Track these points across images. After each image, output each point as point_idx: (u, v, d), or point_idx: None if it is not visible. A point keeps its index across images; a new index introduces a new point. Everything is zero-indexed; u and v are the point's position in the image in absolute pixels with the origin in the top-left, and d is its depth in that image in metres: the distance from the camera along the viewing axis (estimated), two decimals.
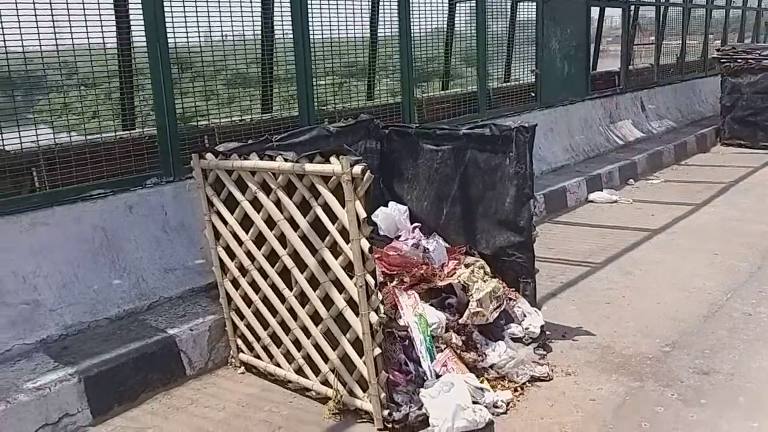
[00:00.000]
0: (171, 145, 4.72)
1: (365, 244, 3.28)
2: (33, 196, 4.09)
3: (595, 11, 10.75)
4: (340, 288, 3.49)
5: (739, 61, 11.35)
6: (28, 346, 3.77)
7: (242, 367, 4.19)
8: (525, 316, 4.28)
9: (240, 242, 3.92)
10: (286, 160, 3.51)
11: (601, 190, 8.39)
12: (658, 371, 3.96)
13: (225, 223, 3.97)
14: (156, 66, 4.55)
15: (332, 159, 3.32)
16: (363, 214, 3.24)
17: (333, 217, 3.41)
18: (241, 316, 4.12)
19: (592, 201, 8.14)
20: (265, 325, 3.99)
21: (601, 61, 12.20)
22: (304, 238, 3.58)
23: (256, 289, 3.94)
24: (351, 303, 3.47)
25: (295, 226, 3.61)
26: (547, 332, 4.35)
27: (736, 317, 4.64)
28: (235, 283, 4.08)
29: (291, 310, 3.80)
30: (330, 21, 5.84)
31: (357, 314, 3.43)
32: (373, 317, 3.37)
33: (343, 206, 3.31)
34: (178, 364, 4.01)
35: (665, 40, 12.93)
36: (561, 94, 9.27)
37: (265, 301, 3.92)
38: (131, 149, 4.57)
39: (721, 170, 9.66)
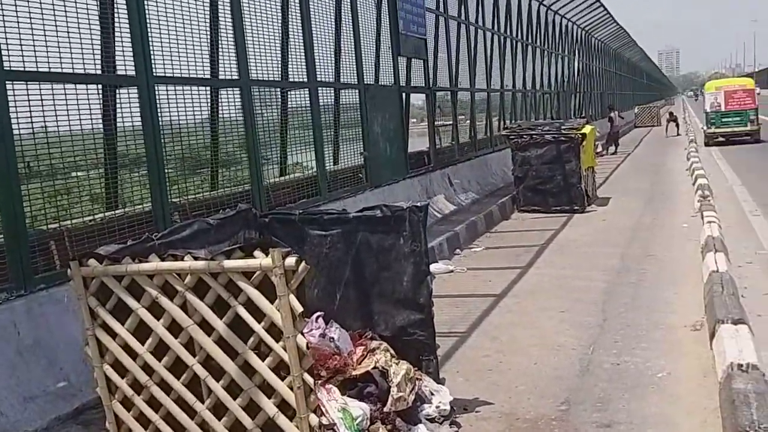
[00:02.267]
0: (21, 255, 4.11)
1: (302, 341, 3.08)
2: None
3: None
4: (269, 392, 3.21)
5: (525, 137, 12.71)
6: None
7: None
8: (433, 394, 4.26)
9: (134, 355, 3.46)
10: (196, 258, 3.22)
11: (437, 262, 8.76)
12: (567, 431, 4.12)
13: (113, 336, 3.49)
14: (4, 166, 3.98)
15: (256, 253, 3.10)
16: (299, 309, 3.05)
17: (259, 315, 3.16)
18: None
19: (431, 273, 8.44)
20: None
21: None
22: (221, 342, 3.26)
23: (156, 406, 3.48)
24: (282, 406, 3.20)
25: (208, 329, 3.28)
26: (454, 407, 4.35)
27: (607, 368, 5.03)
28: (127, 404, 3.56)
29: (203, 425, 3.40)
30: (178, 109, 5.58)
31: (291, 418, 3.17)
32: (314, 419, 3.14)
33: (272, 302, 3.09)
34: None
35: (458, 120, 14.17)
36: (386, 175, 9.67)
37: (168, 418, 3.47)
38: None
39: (529, 234, 10.61)
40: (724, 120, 23.23)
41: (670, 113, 32.63)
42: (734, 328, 4.75)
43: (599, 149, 20.46)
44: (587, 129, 12.80)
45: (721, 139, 23.15)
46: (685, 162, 17.92)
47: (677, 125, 30.80)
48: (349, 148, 9.02)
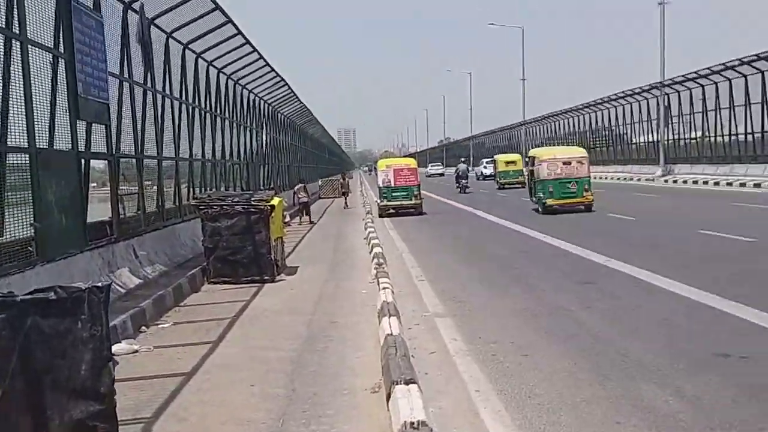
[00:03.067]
0: None
1: None
2: None
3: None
4: None
5: (215, 207, 12.70)
6: None
7: None
8: None
9: None
10: None
11: (120, 342, 8.18)
12: None
13: None
14: None
15: None
16: None
17: None
18: None
19: (114, 354, 7.84)
20: None
21: None
22: None
23: None
24: None
25: None
26: None
27: None
28: None
29: None
30: None
31: None
32: None
33: None
34: None
35: (145, 189, 13.64)
36: (61, 247, 8.85)
37: None
38: None
39: (220, 306, 10.52)
40: (394, 194, 26.13)
41: (342, 174, 35.49)
42: (406, 388, 5.23)
43: (287, 219, 21.33)
44: (276, 201, 13.29)
45: (392, 210, 25.92)
46: (364, 231, 19.56)
47: (347, 193, 34.05)
48: (16, 218, 8.07)
